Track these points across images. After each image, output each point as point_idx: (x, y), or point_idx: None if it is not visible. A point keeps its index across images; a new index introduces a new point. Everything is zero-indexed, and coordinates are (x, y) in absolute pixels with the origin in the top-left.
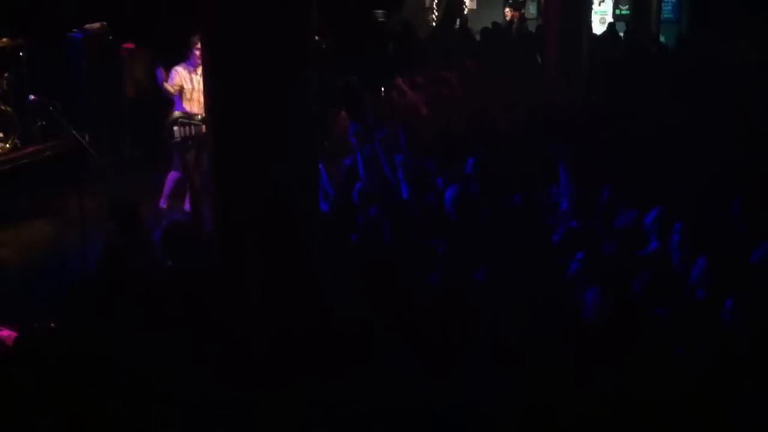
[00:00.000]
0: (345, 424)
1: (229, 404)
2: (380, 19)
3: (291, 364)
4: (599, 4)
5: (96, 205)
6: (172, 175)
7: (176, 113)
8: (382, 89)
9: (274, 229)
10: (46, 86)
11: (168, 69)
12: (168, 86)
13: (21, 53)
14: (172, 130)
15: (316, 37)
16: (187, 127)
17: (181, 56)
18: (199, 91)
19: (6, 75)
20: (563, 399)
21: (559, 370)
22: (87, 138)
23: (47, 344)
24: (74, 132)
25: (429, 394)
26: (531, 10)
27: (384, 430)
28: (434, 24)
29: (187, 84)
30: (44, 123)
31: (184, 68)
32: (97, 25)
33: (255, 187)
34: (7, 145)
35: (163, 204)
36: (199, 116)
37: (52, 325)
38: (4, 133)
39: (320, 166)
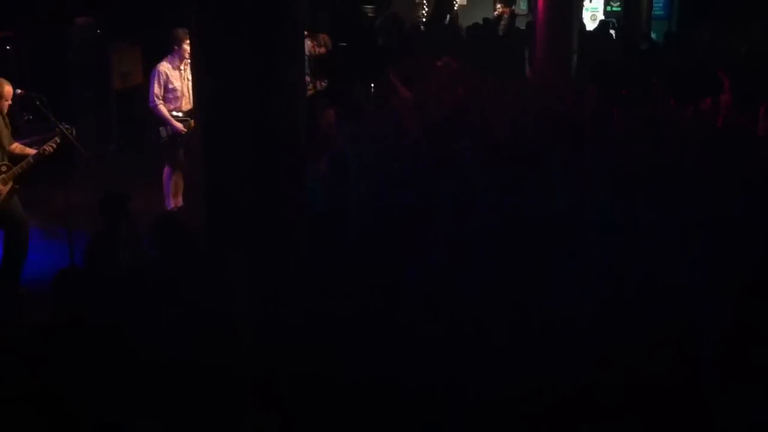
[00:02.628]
0: (333, 409)
1: (216, 387)
2: (370, 15)
3: (277, 350)
4: (590, 1)
5: (83, 198)
6: (167, 173)
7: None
8: (372, 85)
9: (260, 222)
10: (33, 80)
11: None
12: (161, 106)
13: (8, 47)
14: (159, 131)
15: (305, 33)
16: (167, 126)
17: (168, 49)
18: (187, 88)
19: None
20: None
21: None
22: (74, 132)
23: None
24: (61, 126)
25: (416, 384)
26: (521, 6)
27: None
28: (424, 20)
29: (174, 82)
30: (31, 117)
31: (170, 66)
32: (84, 19)
33: (241, 181)
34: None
35: (169, 204)
36: (182, 113)
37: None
38: None
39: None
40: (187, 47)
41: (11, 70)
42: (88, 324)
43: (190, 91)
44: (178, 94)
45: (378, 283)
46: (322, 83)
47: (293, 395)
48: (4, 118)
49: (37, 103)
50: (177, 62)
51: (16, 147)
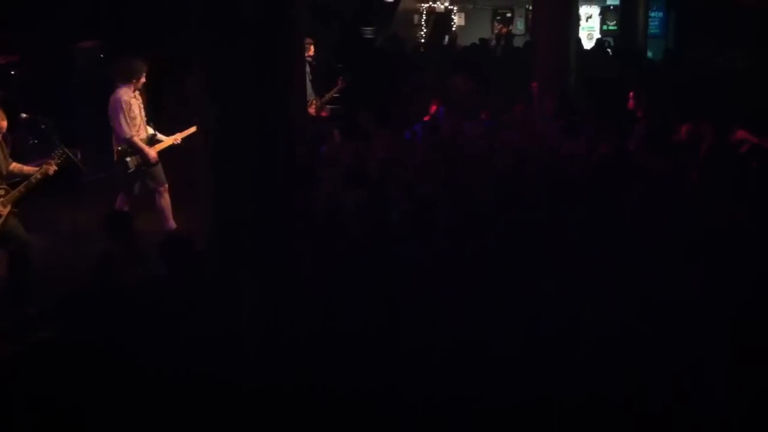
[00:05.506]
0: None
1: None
2: (369, 36)
3: (281, 358)
4: (586, 20)
5: (89, 219)
6: (121, 201)
7: (124, 145)
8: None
9: (267, 236)
10: (38, 103)
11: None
12: (135, 137)
13: (12, 71)
14: (126, 162)
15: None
16: (137, 155)
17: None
18: (141, 116)
19: None
20: None
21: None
22: (78, 154)
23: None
24: (65, 149)
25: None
26: (518, 26)
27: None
28: (423, 40)
29: (134, 110)
30: (36, 141)
31: (131, 95)
32: (88, 42)
33: (249, 199)
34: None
35: None
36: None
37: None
38: None
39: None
40: (144, 79)
41: (16, 95)
42: (93, 342)
43: (144, 118)
44: (137, 122)
45: (378, 296)
46: (325, 95)
47: (296, 408)
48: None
49: (42, 126)
50: (131, 92)
51: (15, 167)
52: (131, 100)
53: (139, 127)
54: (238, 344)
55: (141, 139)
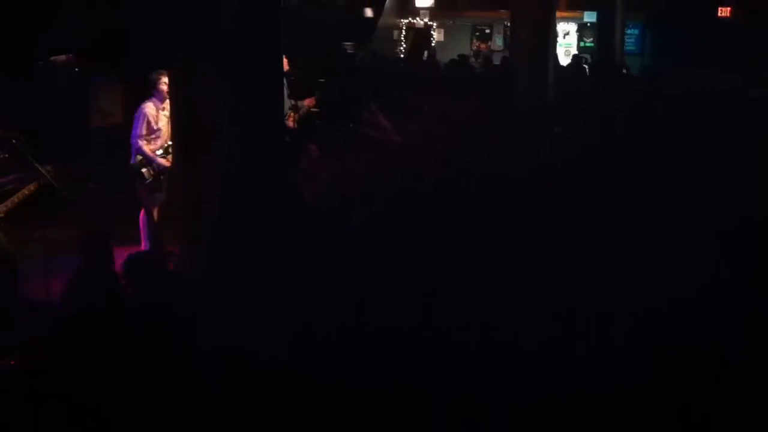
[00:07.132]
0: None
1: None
2: (349, 51)
3: (299, 364)
4: (564, 37)
5: (62, 237)
6: (144, 216)
7: (140, 156)
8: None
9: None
10: (10, 118)
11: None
12: (145, 146)
13: None
14: (141, 173)
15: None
16: (151, 166)
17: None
18: (166, 125)
19: None
20: None
21: None
22: (51, 171)
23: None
24: (38, 166)
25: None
26: (498, 42)
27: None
28: (402, 56)
29: (159, 123)
30: (7, 156)
31: (154, 106)
32: (63, 56)
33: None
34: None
35: (146, 246)
36: (161, 151)
37: (12, 362)
38: None
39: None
40: (163, 87)
41: None
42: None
43: (169, 130)
44: (161, 134)
45: (408, 291)
46: (303, 109)
47: (325, 412)
48: None
49: (14, 142)
50: (159, 103)
51: None
52: (155, 113)
53: (160, 138)
54: (264, 345)
55: (153, 150)
